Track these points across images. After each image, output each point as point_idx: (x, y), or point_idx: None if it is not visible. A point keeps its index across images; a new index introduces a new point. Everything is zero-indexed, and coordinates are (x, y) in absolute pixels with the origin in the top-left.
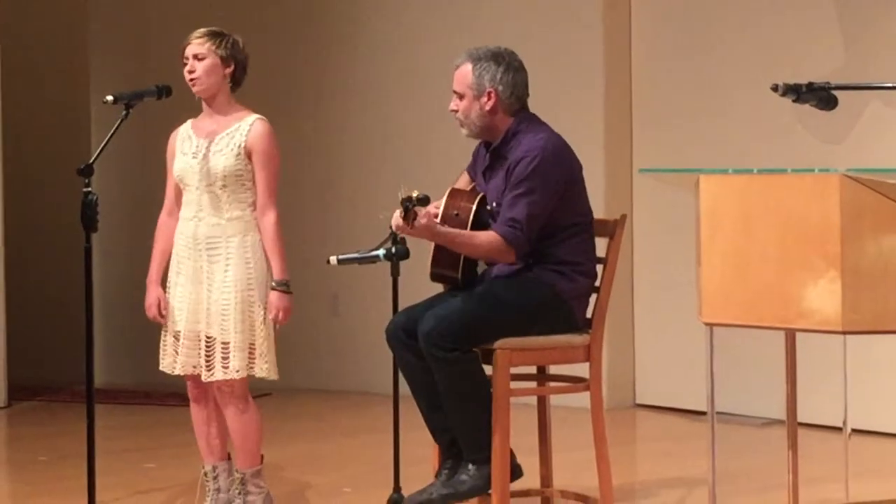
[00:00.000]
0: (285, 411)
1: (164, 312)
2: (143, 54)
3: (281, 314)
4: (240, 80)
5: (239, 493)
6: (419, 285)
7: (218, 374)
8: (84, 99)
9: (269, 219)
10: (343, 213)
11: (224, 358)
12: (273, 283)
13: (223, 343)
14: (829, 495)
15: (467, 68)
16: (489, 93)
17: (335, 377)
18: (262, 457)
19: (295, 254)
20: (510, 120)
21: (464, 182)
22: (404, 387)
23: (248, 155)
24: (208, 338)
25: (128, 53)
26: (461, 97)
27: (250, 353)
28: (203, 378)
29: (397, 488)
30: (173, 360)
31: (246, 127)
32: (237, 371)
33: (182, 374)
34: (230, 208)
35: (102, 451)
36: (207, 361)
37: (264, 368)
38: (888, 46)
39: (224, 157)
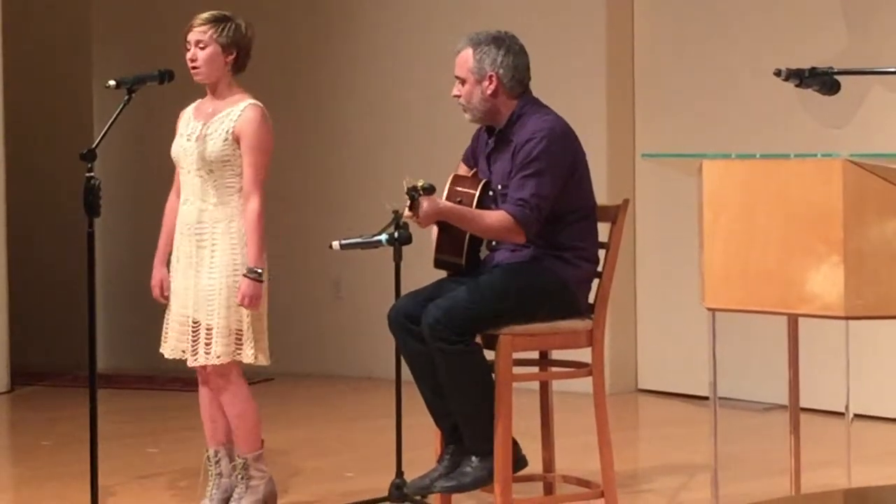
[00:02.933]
0: (288, 396)
1: (166, 294)
2: (145, 39)
3: (247, 300)
4: (243, 65)
5: (242, 479)
6: (422, 270)
7: (201, 359)
8: (87, 83)
9: (252, 205)
10: (346, 198)
11: (207, 343)
12: (245, 270)
13: (207, 328)
14: (832, 480)
15: (468, 53)
16: (490, 77)
17: (337, 362)
18: (263, 441)
19: (297, 238)
20: (513, 103)
21: (463, 170)
22: (407, 372)
23: (237, 140)
24: (195, 322)
25: (130, 38)
26: (463, 82)
27: (237, 338)
28: (188, 363)
29: (400, 473)
30: (168, 345)
31: (237, 112)
32: (218, 357)
33: (171, 357)
34: (216, 193)
35: (105, 435)
36: (193, 346)
37: (250, 354)
38: (891, 31)
39: (213, 141)
